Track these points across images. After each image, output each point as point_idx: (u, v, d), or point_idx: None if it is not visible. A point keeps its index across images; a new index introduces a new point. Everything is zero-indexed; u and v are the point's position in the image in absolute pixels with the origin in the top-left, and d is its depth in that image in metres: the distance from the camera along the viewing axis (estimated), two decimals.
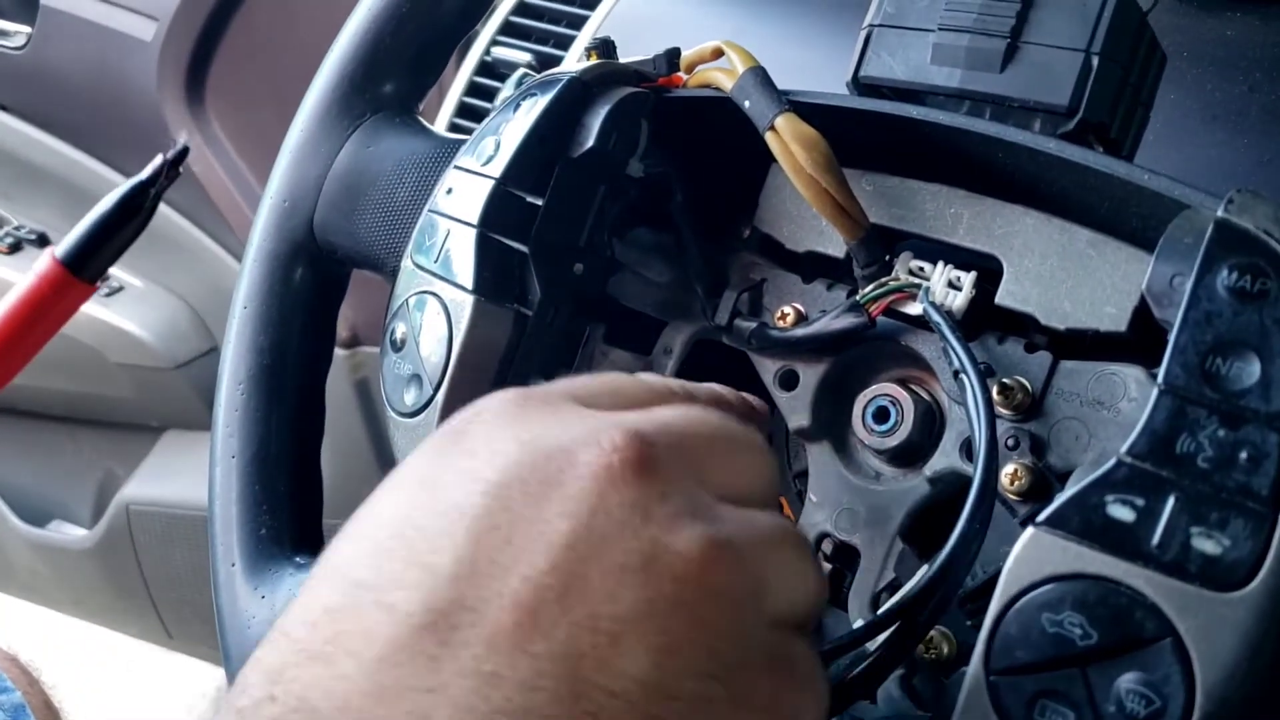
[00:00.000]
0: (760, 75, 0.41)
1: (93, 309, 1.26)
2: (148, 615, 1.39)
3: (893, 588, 0.41)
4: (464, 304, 0.42)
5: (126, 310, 1.27)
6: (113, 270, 1.31)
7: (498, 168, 0.42)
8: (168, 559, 1.31)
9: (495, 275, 0.42)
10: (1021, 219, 0.39)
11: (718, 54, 0.44)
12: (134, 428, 1.35)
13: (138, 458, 1.33)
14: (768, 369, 0.44)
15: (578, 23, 0.82)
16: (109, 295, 1.28)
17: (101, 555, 1.35)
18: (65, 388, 1.34)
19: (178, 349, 1.25)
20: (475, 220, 0.42)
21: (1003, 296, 0.39)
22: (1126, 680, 0.27)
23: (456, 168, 0.44)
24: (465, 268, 0.42)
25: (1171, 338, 0.29)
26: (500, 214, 0.42)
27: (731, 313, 0.45)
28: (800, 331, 0.43)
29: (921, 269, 0.41)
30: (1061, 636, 0.28)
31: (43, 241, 1.35)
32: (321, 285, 0.50)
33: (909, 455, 0.42)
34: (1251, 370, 0.27)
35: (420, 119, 0.50)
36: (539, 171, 0.43)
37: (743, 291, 0.45)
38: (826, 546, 0.44)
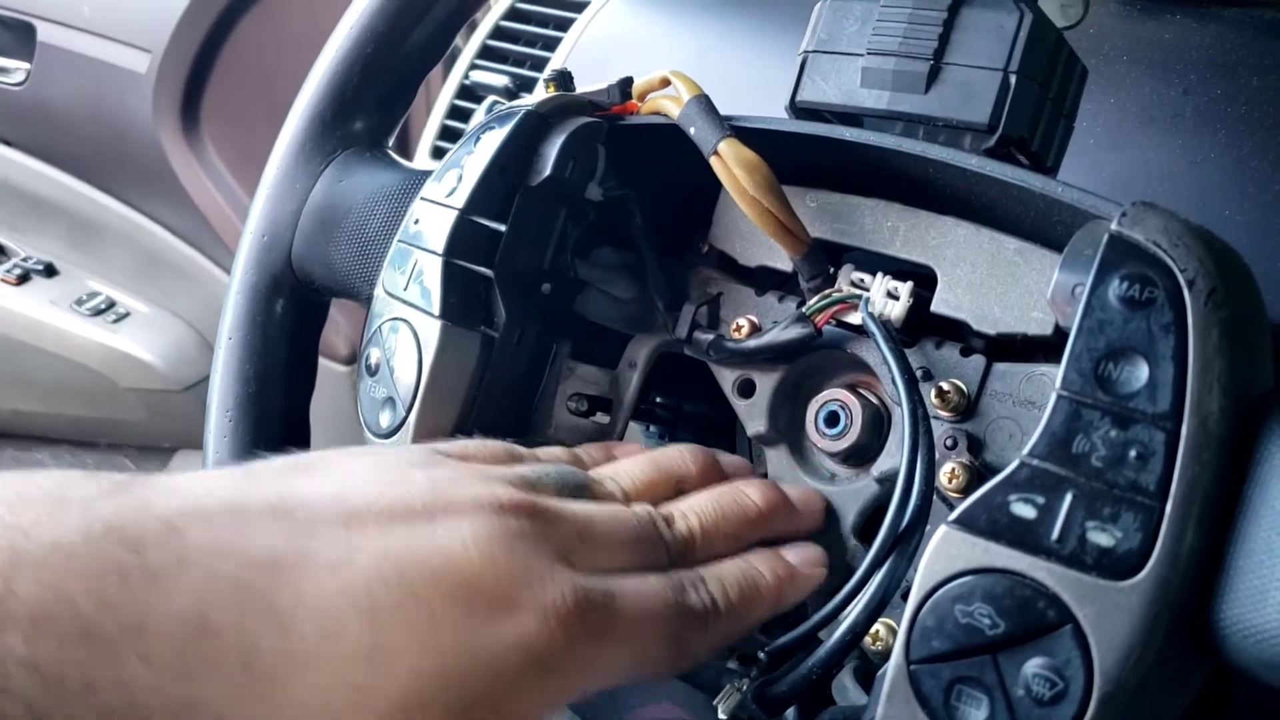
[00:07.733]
0: (704, 103, 0.43)
1: (101, 335, 1.30)
2: None
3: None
4: (432, 329, 0.44)
5: (134, 336, 1.30)
6: (118, 297, 1.34)
7: (460, 198, 0.45)
8: None
9: (461, 300, 0.44)
10: (954, 230, 0.41)
11: (665, 83, 0.46)
12: (146, 449, 1.38)
13: None
14: (726, 378, 0.47)
15: (552, 44, 0.85)
16: (116, 322, 1.31)
17: None
18: (78, 413, 1.37)
19: (185, 371, 1.28)
20: (441, 249, 0.44)
21: (937, 304, 0.41)
22: (1032, 665, 0.29)
23: (423, 199, 0.46)
24: (433, 294, 0.44)
25: (1069, 345, 0.31)
26: (465, 242, 0.45)
27: (691, 325, 0.47)
28: (753, 342, 0.45)
29: (862, 280, 0.43)
30: (973, 627, 0.30)
31: (49, 272, 1.38)
32: (302, 314, 0.52)
33: (859, 456, 0.44)
34: (1140, 374, 0.29)
35: (390, 152, 0.53)
36: (500, 200, 0.45)
37: (701, 305, 0.48)
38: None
